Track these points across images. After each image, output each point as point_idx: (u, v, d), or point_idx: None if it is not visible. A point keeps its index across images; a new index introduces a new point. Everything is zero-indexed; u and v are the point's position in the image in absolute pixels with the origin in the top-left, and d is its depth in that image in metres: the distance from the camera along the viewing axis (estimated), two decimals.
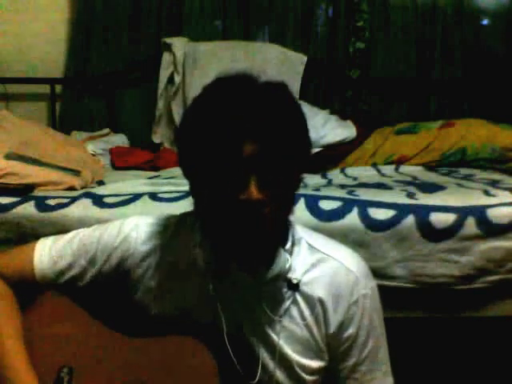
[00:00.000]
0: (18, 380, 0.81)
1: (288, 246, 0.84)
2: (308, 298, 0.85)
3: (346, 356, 0.87)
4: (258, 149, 0.70)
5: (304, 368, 0.86)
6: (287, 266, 0.81)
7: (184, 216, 0.93)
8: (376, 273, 1.36)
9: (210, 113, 0.73)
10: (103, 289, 0.92)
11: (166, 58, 2.65)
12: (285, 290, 0.84)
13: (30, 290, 0.91)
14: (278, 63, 2.60)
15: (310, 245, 0.87)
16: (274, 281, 0.81)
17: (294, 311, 0.85)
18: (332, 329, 0.85)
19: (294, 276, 0.83)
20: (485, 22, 2.76)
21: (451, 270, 1.42)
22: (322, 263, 0.86)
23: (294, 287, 0.83)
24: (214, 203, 0.75)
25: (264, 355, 0.85)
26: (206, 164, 0.73)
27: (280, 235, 0.83)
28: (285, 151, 0.73)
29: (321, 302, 0.84)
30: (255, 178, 0.71)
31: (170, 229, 0.91)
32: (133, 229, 0.90)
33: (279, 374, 0.85)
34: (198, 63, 2.58)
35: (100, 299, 0.92)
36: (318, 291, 0.84)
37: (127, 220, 0.92)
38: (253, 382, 0.83)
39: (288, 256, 0.81)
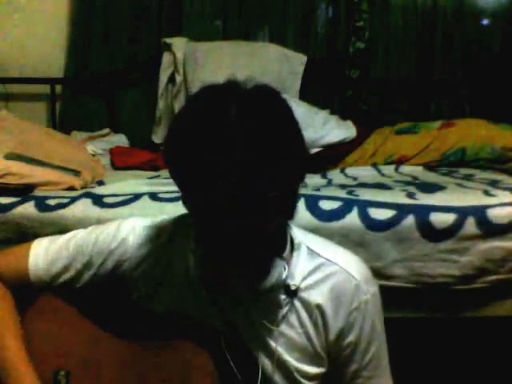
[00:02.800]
0: (19, 381, 0.80)
1: (286, 252, 0.82)
2: (306, 305, 0.83)
3: (348, 362, 0.85)
4: (244, 178, 0.65)
5: (303, 374, 0.85)
6: (284, 275, 0.78)
7: (180, 219, 0.91)
8: (376, 273, 1.36)
9: (190, 124, 0.70)
10: (100, 290, 0.91)
11: (166, 57, 2.65)
12: (282, 296, 0.82)
13: (25, 291, 0.90)
14: (278, 63, 2.60)
15: (309, 249, 0.85)
16: (269, 291, 0.80)
17: (292, 317, 0.83)
18: (332, 335, 0.83)
19: (293, 282, 0.81)
20: (485, 21, 2.76)
21: (451, 269, 1.42)
22: (322, 268, 0.84)
23: (292, 294, 0.82)
24: (201, 214, 0.72)
25: (263, 360, 0.84)
26: (189, 186, 0.71)
27: (275, 245, 0.80)
28: (266, 160, 0.66)
29: (319, 308, 0.83)
30: (236, 205, 0.66)
31: (166, 232, 0.90)
32: (129, 232, 0.89)
33: (278, 379, 0.85)
34: (199, 63, 2.58)
35: (97, 301, 0.91)
36: (317, 297, 0.83)
37: (124, 223, 0.91)
38: None
39: (285, 265, 0.79)
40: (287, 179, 0.70)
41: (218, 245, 0.75)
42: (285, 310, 0.83)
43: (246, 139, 0.66)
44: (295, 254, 0.84)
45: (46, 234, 0.97)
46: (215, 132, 0.67)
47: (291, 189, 0.73)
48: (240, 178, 0.65)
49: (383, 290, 0.89)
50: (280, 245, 0.82)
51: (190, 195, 0.73)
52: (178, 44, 2.63)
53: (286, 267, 0.79)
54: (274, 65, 2.58)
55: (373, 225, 1.42)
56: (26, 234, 1.47)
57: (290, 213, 0.78)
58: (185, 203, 0.77)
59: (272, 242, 0.78)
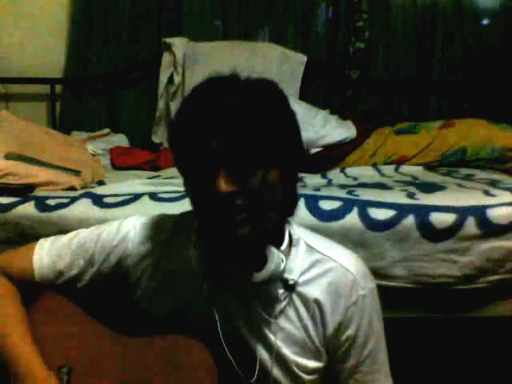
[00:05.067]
0: (30, 374, 0.80)
1: (284, 246, 0.83)
2: (304, 299, 0.84)
3: (346, 357, 0.86)
4: (224, 143, 0.72)
5: (302, 368, 0.86)
6: (282, 266, 0.80)
7: (182, 216, 0.93)
8: (376, 273, 1.36)
9: (188, 110, 0.76)
10: (102, 289, 0.92)
11: (166, 58, 2.66)
12: (281, 290, 0.83)
13: (30, 289, 0.91)
14: (278, 63, 2.60)
15: (308, 245, 0.86)
16: (267, 282, 0.81)
17: (291, 312, 0.85)
18: (330, 330, 0.84)
19: (291, 276, 0.83)
20: (485, 21, 2.76)
21: (451, 270, 1.42)
22: (320, 264, 0.85)
23: (290, 288, 0.83)
24: (196, 198, 0.78)
25: (261, 354, 0.85)
26: (184, 159, 0.77)
27: (273, 237, 0.82)
28: (254, 145, 0.72)
29: (317, 302, 0.84)
30: (224, 172, 0.72)
31: (167, 229, 0.91)
32: (131, 229, 0.90)
33: (277, 373, 0.85)
34: (198, 63, 2.58)
35: (99, 299, 0.92)
36: (315, 292, 0.84)
37: (126, 220, 0.93)
38: (251, 381, 0.83)
39: (282, 256, 0.80)
40: (280, 157, 0.75)
41: (217, 230, 0.76)
42: (283, 303, 0.84)
43: (242, 114, 0.72)
44: (294, 249, 0.85)
45: (46, 234, 0.98)
46: (198, 120, 0.73)
47: (281, 175, 0.76)
48: (218, 162, 0.71)
49: (383, 290, 0.90)
50: (279, 239, 0.84)
51: (190, 168, 0.77)
52: (178, 44, 2.63)
53: (284, 259, 0.80)
54: (273, 65, 2.58)
55: (373, 225, 1.42)
56: (26, 234, 1.48)
57: (289, 207, 0.81)
58: (186, 193, 0.80)
59: (271, 235, 0.80)
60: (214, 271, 0.82)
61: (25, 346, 0.83)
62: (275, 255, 0.79)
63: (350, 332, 0.85)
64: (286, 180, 0.78)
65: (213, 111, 0.72)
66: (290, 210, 0.84)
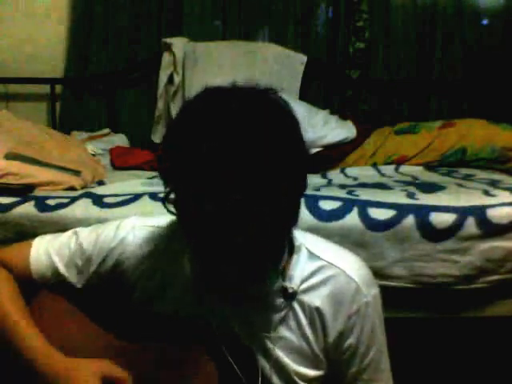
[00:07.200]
0: (40, 358, 0.78)
1: (285, 255, 0.82)
2: (305, 307, 0.82)
3: (348, 365, 0.85)
4: (225, 153, 0.66)
5: (301, 376, 0.84)
6: (279, 283, 0.78)
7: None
8: (376, 273, 1.35)
9: (184, 129, 0.70)
10: (99, 290, 0.91)
11: (166, 58, 2.65)
12: (280, 299, 0.82)
13: (27, 286, 0.90)
14: (278, 63, 2.60)
15: (310, 252, 0.84)
16: (266, 295, 0.79)
17: (291, 320, 0.83)
18: (331, 338, 0.83)
19: (291, 285, 0.81)
20: (485, 21, 2.76)
21: (451, 269, 1.42)
22: (322, 271, 0.83)
23: (290, 296, 0.81)
24: (191, 213, 0.72)
25: (262, 362, 0.84)
26: (181, 168, 0.70)
27: (271, 251, 0.79)
28: (260, 154, 0.66)
29: (318, 311, 0.82)
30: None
31: (165, 233, 0.89)
32: (129, 232, 0.89)
33: (276, 381, 0.84)
34: (198, 63, 2.58)
35: (97, 301, 0.92)
36: (316, 300, 0.82)
37: (124, 222, 0.91)
38: None
39: (280, 274, 0.79)
40: (282, 177, 0.70)
41: (212, 248, 0.73)
42: (283, 312, 0.82)
43: (244, 130, 0.66)
44: (295, 256, 0.83)
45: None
46: (214, 123, 0.67)
47: (286, 192, 0.71)
48: (232, 168, 0.65)
49: (383, 290, 0.89)
50: (277, 251, 0.81)
51: (182, 191, 0.72)
52: (178, 44, 2.63)
53: (282, 272, 0.79)
54: (273, 65, 2.58)
55: (373, 225, 1.42)
56: (25, 233, 1.47)
57: (289, 221, 0.77)
58: (176, 207, 0.75)
59: (269, 248, 0.77)
60: (208, 280, 0.80)
61: (26, 325, 0.81)
62: (272, 272, 0.78)
63: (351, 340, 0.83)
64: (290, 193, 0.74)
65: (211, 121, 0.68)
66: (293, 222, 0.79)
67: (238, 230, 0.69)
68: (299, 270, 0.82)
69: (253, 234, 0.70)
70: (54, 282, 0.90)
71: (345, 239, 1.40)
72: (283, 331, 0.83)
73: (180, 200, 0.73)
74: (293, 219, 0.78)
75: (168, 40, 2.64)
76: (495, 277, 1.43)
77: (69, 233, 0.93)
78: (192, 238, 0.75)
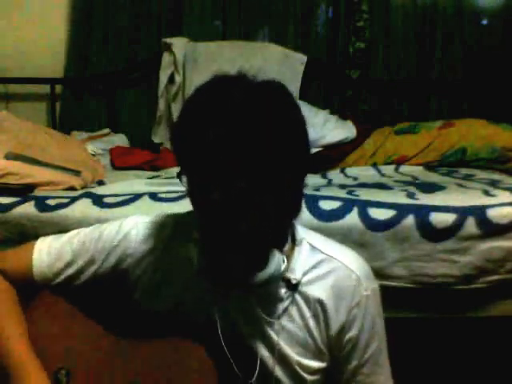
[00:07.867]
0: (25, 374, 0.80)
1: (287, 247, 0.83)
2: (307, 299, 0.84)
3: (348, 358, 0.86)
4: (230, 141, 0.69)
5: (304, 368, 0.86)
6: (282, 267, 0.79)
7: (183, 215, 0.92)
8: (376, 273, 1.35)
9: (193, 116, 0.73)
10: (101, 289, 0.91)
11: (166, 58, 2.65)
12: (283, 290, 0.83)
13: (28, 289, 0.91)
14: (278, 63, 2.60)
15: (311, 245, 0.86)
16: (267, 283, 0.80)
17: (293, 311, 0.84)
18: (333, 330, 0.84)
19: (294, 276, 0.82)
20: (485, 22, 2.76)
21: (451, 270, 1.42)
22: (323, 264, 0.85)
23: (293, 288, 0.83)
24: (197, 200, 0.76)
25: (263, 354, 0.84)
26: (188, 158, 0.74)
27: (275, 239, 0.81)
28: (259, 151, 0.69)
29: (320, 303, 0.83)
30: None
31: (168, 228, 0.90)
32: (132, 227, 0.90)
33: (279, 373, 0.85)
34: (198, 63, 2.58)
35: (97, 300, 0.92)
36: (318, 292, 0.84)
37: (127, 219, 0.92)
38: (250, 381, 0.83)
39: (284, 258, 0.79)
40: (286, 166, 0.73)
41: (218, 236, 0.75)
42: (286, 303, 0.84)
43: (250, 118, 0.69)
44: (297, 249, 0.85)
45: (46, 234, 0.97)
46: (220, 111, 0.69)
47: (289, 181, 0.75)
48: (238, 155, 0.68)
49: (383, 290, 0.90)
50: (280, 240, 0.83)
51: (191, 171, 0.75)
52: (178, 44, 2.63)
53: (285, 260, 0.80)
54: (274, 65, 2.58)
55: (373, 225, 1.42)
56: (26, 233, 1.48)
57: (292, 211, 0.80)
58: (188, 187, 0.78)
59: (272, 236, 0.79)
60: (214, 270, 0.81)
61: (20, 346, 0.82)
62: (276, 257, 0.78)
63: (352, 333, 0.84)
64: (294, 184, 0.77)
65: (219, 108, 0.70)
66: (295, 212, 0.82)
67: (241, 218, 0.71)
68: (301, 262, 0.84)
69: (256, 223, 0.72)
70: (55, 282, 0.91)
71: (345, 239, 1.40)
72: (286, 322, 0.84)
73: (189, 187, 0.76)
74: (295, 209, 0.81)
75: (168, 40, 2.64)
76: (495, 277, 1.43)
77: (71, 233, 0.94)
78: (202, 227, 0.78)
